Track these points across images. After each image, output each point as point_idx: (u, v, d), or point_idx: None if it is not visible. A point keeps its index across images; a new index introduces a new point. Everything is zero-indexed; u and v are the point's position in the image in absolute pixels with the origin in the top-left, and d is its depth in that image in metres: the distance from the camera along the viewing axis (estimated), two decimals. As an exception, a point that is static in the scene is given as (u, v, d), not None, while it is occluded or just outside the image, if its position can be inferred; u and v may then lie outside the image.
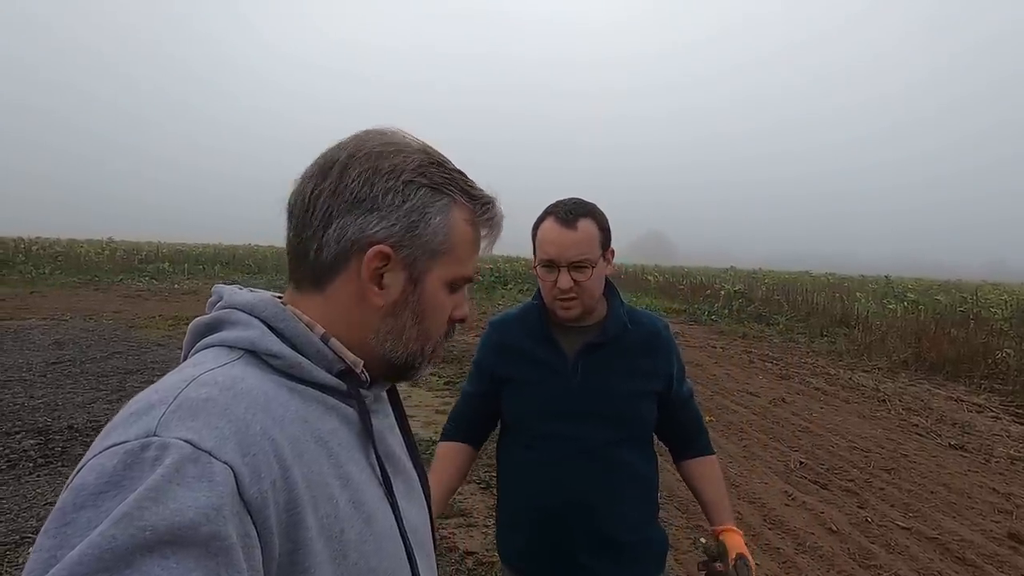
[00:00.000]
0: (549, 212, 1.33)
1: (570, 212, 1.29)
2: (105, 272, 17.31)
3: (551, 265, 1.29)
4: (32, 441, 4.16)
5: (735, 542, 1.29)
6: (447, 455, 1.44)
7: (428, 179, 0.62)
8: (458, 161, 0.67)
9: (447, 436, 1.47)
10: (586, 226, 1.28)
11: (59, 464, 3.82)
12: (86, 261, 19.16)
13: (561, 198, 1.36)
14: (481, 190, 0.66)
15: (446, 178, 0.63)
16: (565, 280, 1.27)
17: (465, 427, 1.47)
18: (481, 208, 0.65)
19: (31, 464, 3.80)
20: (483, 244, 0.66)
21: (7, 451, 3.98)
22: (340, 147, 0.62)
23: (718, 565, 1.26)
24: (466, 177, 0.65)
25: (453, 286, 0.65)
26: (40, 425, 4.48)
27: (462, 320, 0.68)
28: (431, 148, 0.65)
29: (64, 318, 9.47)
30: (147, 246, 28.44)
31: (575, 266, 1.27)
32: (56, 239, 30.70)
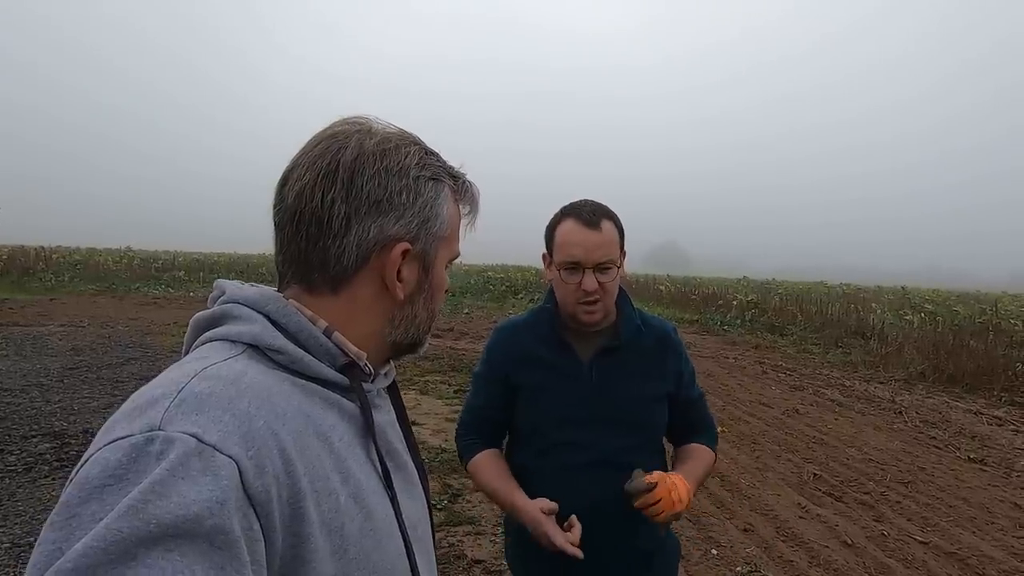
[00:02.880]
0: (568, 213, 1.30)
1: (593, 213, 1.28)
2: (122, 280, 17.52)
3: (576, 267, 1.27)
4: (48, 445, 4.22)
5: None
6: (492, 458, 1.37)
7: (430, 171, 0.64)
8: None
9: (476, 450, 1.40)
10: (609, 227, 1.28)
11: (74, 468, 3.89)
12: (104, 269, 19.43)
13: (573, 201, 1.34)
14: (457, 169, 0.69)
15: (439, 166, 0.66)
16: (591, 282, 1.25)
17: (487, 436, 1.42)
18: (462, 187, 0.69)
19: (47, 467, 3.84)
20: (465, 220, 0.70)
21: (24, 454, 4.03)
22: (335, 148, 0.61)
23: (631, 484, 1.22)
24: (444, 159, 0.68)
25: (449, 264, 0.69)
26: (56, 429, 4.54)
27: (447, 290, 0.72)
28: (414, 135, 0.67)
29: (82, 325, 9.61)
30: (164, 255, 28.83)
31: (600, 267, 1.26)
32: (76, 248, 31.24)
